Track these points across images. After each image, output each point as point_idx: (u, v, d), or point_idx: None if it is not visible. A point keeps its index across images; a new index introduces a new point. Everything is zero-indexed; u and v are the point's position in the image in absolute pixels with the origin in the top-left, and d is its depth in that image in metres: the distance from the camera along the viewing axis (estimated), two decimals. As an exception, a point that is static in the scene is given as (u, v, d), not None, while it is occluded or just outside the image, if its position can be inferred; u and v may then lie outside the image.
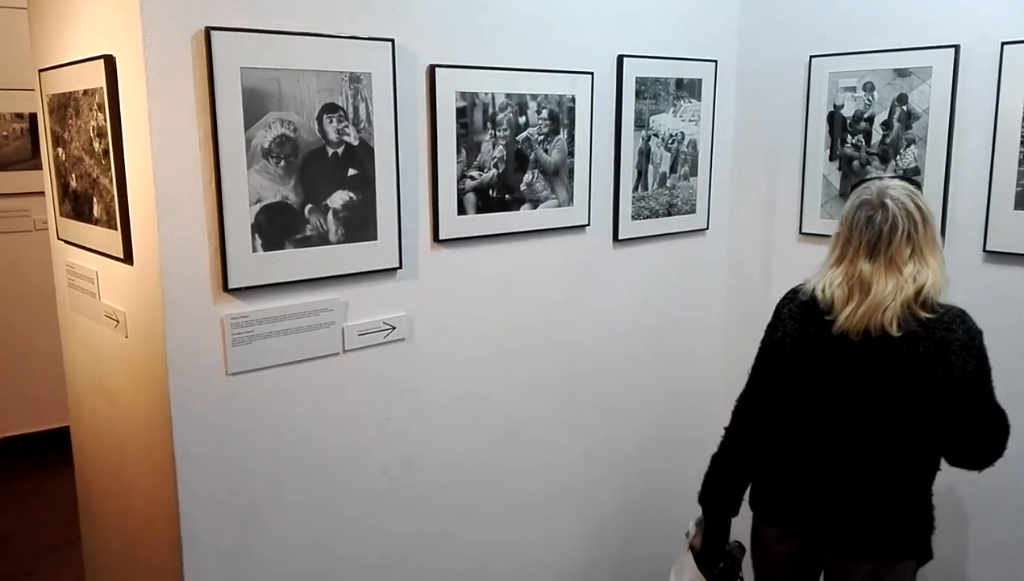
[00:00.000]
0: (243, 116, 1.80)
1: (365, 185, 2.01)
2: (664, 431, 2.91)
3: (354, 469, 2.12)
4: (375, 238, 2.05)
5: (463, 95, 2.18)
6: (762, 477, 2.05)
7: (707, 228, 2.93)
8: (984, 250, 2.36)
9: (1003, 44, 2.26)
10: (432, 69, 2.11)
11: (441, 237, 2.20)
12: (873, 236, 1.79)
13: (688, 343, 2.95)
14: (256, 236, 1.85)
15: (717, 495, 2.08)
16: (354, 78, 1.96)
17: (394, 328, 2.14)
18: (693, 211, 2.87)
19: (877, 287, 1.77)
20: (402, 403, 2.20)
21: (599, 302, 2.64)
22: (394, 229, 2.08)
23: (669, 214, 2.78)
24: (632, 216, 2.67)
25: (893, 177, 1.89)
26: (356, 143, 1.98)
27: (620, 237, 2.65)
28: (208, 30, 1.73)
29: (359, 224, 2.02)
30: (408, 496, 2.25)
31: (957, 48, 2.36)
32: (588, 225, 2.55)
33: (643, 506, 2.90)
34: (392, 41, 2.00)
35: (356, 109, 1.97)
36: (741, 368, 2.12)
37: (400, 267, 2.11)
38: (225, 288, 1.82)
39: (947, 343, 1.75)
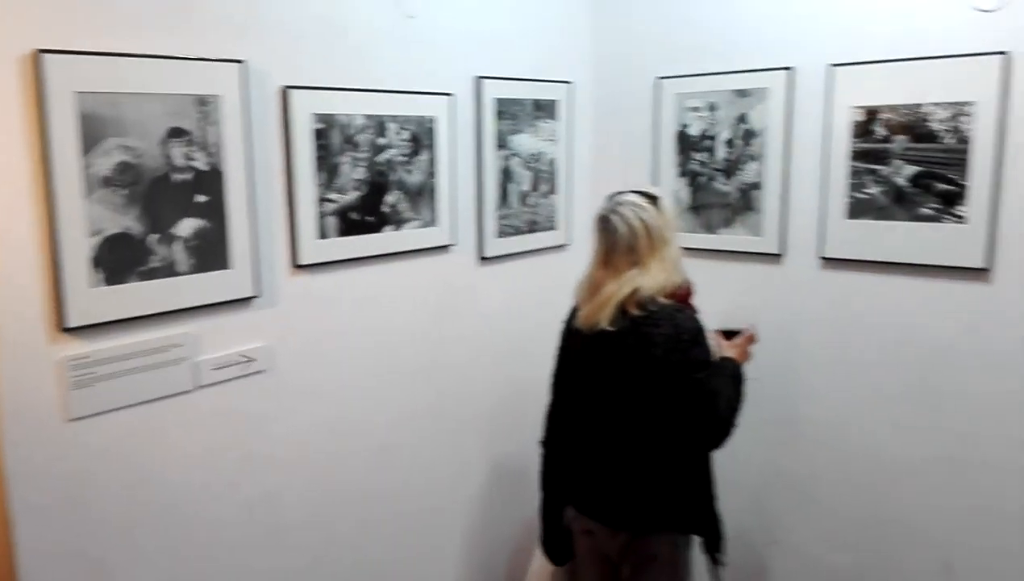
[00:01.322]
0: (79, 143, 1.69)
1: (215, 211, 1.93)
2: (535, 446, 2.94)
3: (215, 509, 2.03)
4: (228, 266, 1.97)
5: (320, 117, 2.14)
6: (562, 456, 2.22)
7: (569, 243, 2.99)
8: (820, 257, 2.54)
9: (831, 66, 2.44)
10: (285, 91, 2.06)
11: (301, 262, 2.14)
12: (603, 246, 2.04)
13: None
14: (96, 270, 1.74)
15: (541, 478, 2.27)
16: (202, 101, 1.88)
17: (253, 359, 2.06)
18: (555, 228, 2.93)
19: (603, 290, 2.01)
20: (264, 436, 2.12)
21: (466, 321, 2.65)
22: (249, 256, 2.01)
23: (532, 231, 2.83)
24: (496, 234, 2.69)
25: (632, 192, 2.07)
26: (205, 168, 1.90)
27: (485, 255, 2.67)
28: (38, 52, 1.62)
29: (210, 252, 1.93)
30: (276, 530, 2.17)
31: (790, 70, 2.53)
32: (453, 245, 2.56)
33: (516, 519, 2.92)
34: (242, 63, 1.94)
35: (204, 133, 1.89)
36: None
37: (257, 296, 2.04)
38: (62, 327, 1.70)
39: (651, 337, 1.93)
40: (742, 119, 2.64)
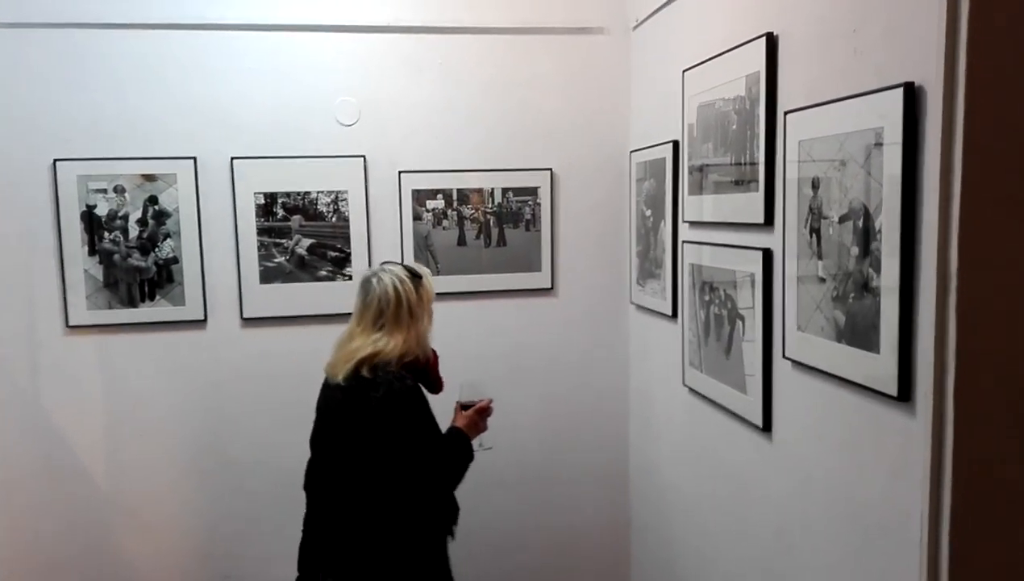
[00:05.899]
0: None
1: None
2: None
3: None
4: None
5: None
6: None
7: (-37, 335, 2.71)
8: (242, 317, 2.97)
9: (233, 158, 2.89)
10: None
11: None
12: (359, 305, 2.23)
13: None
14: None
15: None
16: None
17: None
18: (-54, 319, 2.62)
19: (350, 344, 2.18)
20: None
21: None
22: None
23: (-77, 326, 2.49)
24: None
25: (398, 264, 2.29)
26: None
27: None
28: None
29: None
30: None
31: (195, 159, 2.88)
32: None
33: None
34: None
35: None
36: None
37: None
38: None
39: (369, 400, 2.10)
40: (153, 201, 2.87)
